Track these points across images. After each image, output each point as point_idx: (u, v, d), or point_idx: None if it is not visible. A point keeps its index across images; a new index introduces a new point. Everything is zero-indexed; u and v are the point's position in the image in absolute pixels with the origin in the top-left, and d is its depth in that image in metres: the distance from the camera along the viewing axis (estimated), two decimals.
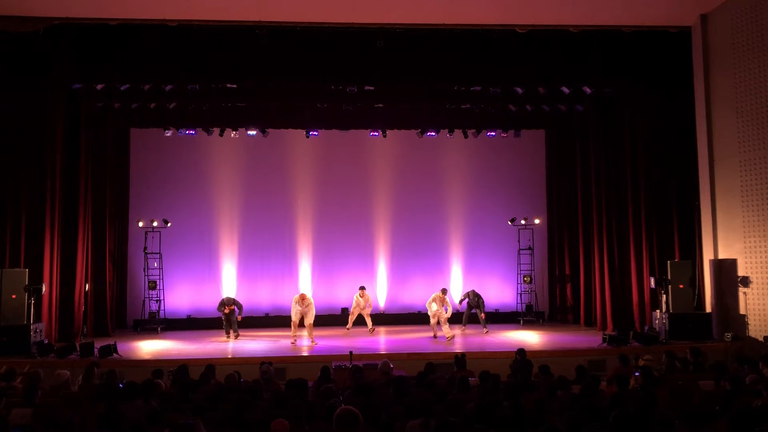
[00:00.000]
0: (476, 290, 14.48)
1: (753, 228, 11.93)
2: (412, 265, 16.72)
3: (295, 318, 12.46)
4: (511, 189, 16.96)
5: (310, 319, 12.50)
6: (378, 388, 7.01)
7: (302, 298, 12.55)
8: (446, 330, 12.97)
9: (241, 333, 13.66)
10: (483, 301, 14.32)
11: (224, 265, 16.20)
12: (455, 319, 14.33)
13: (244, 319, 14.04)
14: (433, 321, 13.24)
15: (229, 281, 16.14)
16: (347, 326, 14.28)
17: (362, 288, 14.35)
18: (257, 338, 13.62)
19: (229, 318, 13.49)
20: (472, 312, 14.45)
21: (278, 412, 5.42)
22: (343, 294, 16.18)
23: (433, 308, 13.22)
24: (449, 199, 16.85)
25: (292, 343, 12.33)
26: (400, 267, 16.73)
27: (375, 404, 5.77)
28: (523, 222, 16.36)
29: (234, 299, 13.82)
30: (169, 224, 15.52)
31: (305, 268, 16.47)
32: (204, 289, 16.04)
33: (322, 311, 15.41)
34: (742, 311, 11.99)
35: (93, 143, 14.26)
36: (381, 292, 16.53)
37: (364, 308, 14.14)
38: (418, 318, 15.36)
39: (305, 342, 12.62)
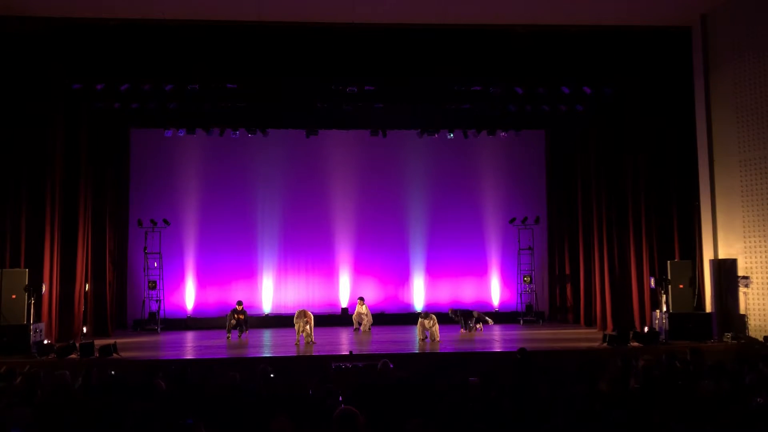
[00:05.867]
0: (462, 309, 14.62)
1: (753, 228, 11.92)
2: (409, 264, 16.74)
3: (297, 328, 12.52)
4: (511, 189, 16.97)
5: (310, 327, 12.61)
6: (377, 388, 7.00)
7: (304, 314, 12.62)
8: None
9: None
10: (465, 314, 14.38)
11: (224, 265, 16.21)
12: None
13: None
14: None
15: (229, 281, 16.14)
16: (354, 326, 14.55)
17: (360, 299, 14.73)
18: (257, 338, 13.61)
19: (238, 322, 13.47)
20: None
21: (278, 412, 5.41)
22: (344, 294, 16.26)
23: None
24: (449, 199, 16.84)
25: (296, 343, 12.36)
26: (397, 266, 16.74)
27: (374, 404, 5.76)
28: (522, 222, 16.37)
29: (245, 312, 13.69)
30: (169, 224, 15.53)
31: (305, 267, 16.49)
32: (204, 289, 16.05)
33: (322, 311, 15.44)
34: (742, 311, 11.99)
35: (93, 143, 14.26)
36: (377, 291, 16.53)
37: (363, 315, 14.49)
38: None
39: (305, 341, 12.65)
